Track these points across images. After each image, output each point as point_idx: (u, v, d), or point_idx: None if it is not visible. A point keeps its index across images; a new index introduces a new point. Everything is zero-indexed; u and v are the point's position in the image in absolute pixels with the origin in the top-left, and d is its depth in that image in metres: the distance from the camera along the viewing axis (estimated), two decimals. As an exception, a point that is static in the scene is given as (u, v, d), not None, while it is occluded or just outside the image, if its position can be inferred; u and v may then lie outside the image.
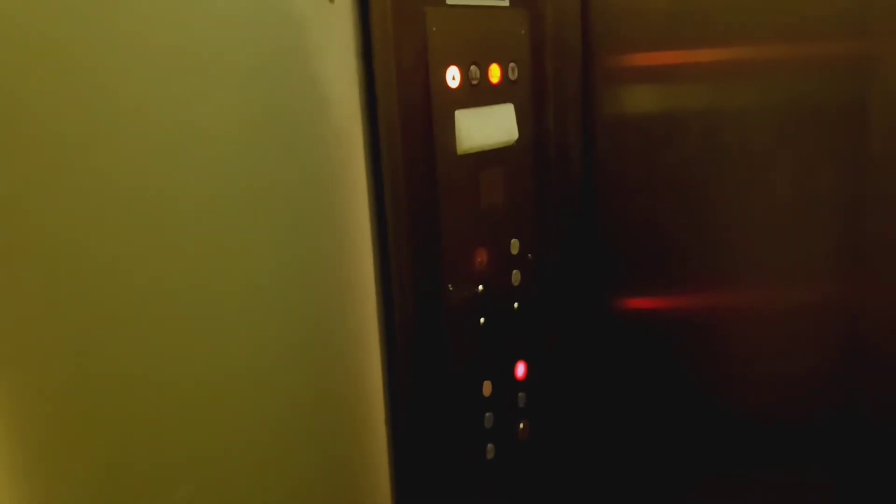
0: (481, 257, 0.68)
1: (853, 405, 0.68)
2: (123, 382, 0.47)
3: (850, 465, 0.69)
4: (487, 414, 0.69)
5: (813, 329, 0.69)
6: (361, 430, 0.62)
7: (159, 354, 0.48)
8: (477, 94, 0.65)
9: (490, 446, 0.70)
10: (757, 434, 0.73)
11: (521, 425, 0.73)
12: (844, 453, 0.69)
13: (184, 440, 0.50)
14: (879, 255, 0.65)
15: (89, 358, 0.45)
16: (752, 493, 0.74)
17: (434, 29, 0.61)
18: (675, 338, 0.75)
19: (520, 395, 0.72)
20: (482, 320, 0.68)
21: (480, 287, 0.68)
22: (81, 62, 0.43)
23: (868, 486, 0.68)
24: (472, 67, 0.65)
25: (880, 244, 0.65)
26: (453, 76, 0.63)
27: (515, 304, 0.71)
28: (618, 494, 0.80)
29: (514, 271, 0.71)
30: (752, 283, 0.72)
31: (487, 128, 0.66)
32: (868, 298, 0.67)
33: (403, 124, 0.60)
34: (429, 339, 0.65)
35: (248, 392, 0.53)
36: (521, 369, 0.72)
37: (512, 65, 0.68)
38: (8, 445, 0.43)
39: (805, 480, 0.71)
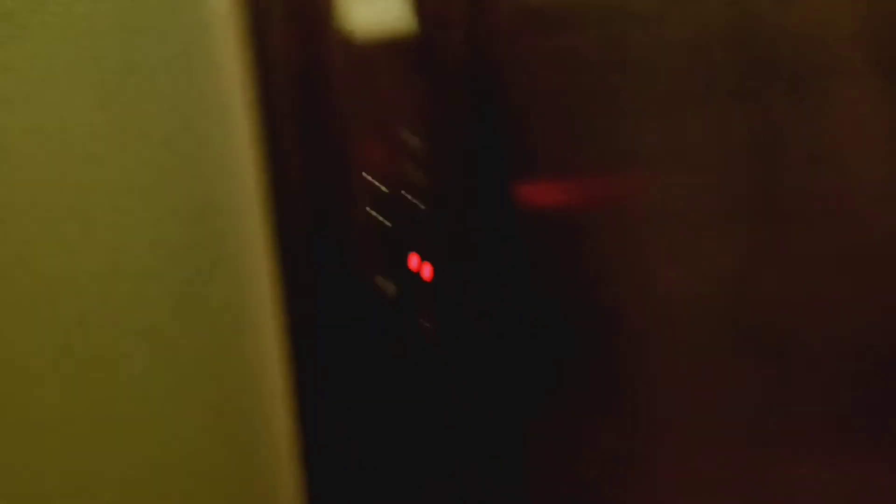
0: (384, 155, 0.66)
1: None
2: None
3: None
4: (393, 315, 0.68)
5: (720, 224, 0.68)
6: (262, 338, 0.61)
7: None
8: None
9: (397, 347, 0.69)
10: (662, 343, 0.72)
11: (429, 325, 0.72)
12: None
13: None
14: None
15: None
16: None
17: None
18: (578, 230, 0.74)
19: (425, 294, 0.71)
20: (386, 221, 0.67)
21: (384, 188, 0.66)
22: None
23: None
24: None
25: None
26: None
27: (419, 203, 0.69)
28: (521, 395, 0.80)
29: (417, 170, 0.69)
30: (656, 171, 0.71)
31: (379, 9, 0.63)
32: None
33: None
34: (331, 242, 0.63)
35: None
36: (426, 269, 0.71)
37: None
38: None
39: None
